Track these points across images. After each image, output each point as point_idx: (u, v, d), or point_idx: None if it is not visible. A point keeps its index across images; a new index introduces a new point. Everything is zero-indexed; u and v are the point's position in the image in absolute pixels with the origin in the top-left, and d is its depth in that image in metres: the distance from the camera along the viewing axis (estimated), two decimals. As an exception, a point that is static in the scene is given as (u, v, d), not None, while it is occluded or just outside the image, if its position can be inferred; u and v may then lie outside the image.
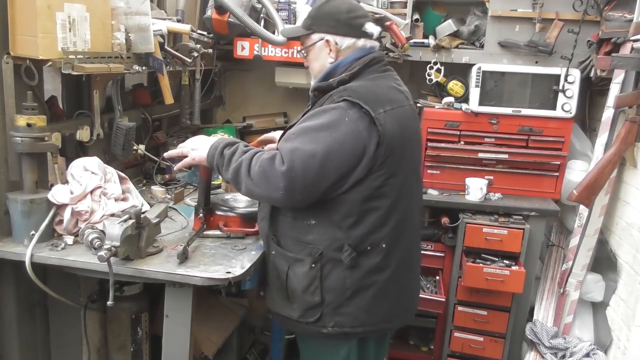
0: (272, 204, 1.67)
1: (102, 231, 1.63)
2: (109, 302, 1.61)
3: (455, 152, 2.78)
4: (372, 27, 1.72)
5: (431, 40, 2.85)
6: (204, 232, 1.93)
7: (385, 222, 1.64)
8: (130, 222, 1.60)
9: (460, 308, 2.73)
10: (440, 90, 2.91)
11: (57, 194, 1.76)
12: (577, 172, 2.72)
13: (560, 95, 2.65)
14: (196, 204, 1.99)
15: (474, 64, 2.72)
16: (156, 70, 2.18)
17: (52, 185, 1.86)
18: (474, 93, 2.70)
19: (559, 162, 2.72)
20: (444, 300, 2.67)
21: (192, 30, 2.49)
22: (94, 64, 1.80)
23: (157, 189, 2.44)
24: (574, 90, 2.63)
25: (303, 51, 1.81)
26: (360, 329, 1.69)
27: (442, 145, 2.79)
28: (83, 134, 2.01)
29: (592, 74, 2.59)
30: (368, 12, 1.84)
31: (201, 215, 1.93)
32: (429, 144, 2.80)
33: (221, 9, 2.57)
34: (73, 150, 2.00)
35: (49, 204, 1.76)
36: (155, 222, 1.76)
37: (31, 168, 1.75)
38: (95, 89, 2.04)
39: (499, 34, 2.75)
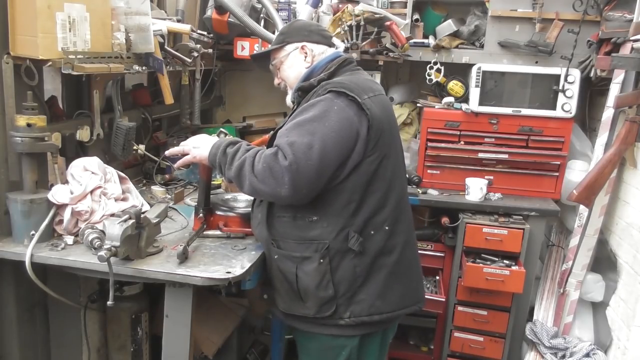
0: (277, 201, 1.66)
1: (102, 231, 1.63)
2: (109, 302, 1.61)
3: (455, 152, 2.78)
4: (338, 42, 1.92)
5: (431, 40, 2.86)
6: (204, 232, 1.93)
7: (385, 204, 1.69)
8: (130, 222, 1.60)
9: (460, 308, 2.73)
10: (440, 90, 2.91)
11: (57, 194, 1.76)
12: (577, 172, 2.72)
13: (560, 95, 2.65)
14: (196, 204, 1.98)
15: (474, 64, 2.72)
16: (156, 70, 2.18)
17: (52, 185, 1.86)
18: (474, 93, 2.70)
19: (559, 162, 2.72)
20: (444, 300, 2.67)
21: (192, 30, 2.49)
22: (94, 64, 1.80)
23: (157, 189, 2.44)
24: (574, 90, 2.63)
25: (275, 63, 1.89)
26: (377, 316, 1.70)
27: (442, 145, 2.79)
28: (83, 134, 2.01)
29: (592, 74, 2.60)
30: None
31: (201, 215, 1.93)
32: (429, 144, 2.80)
33: (221, 9, 2.57)
34: (73, 150, 2.00)
35: (49, 204, 1.76)
36: (155, 222, 1.76)
37: (31, 168, 1.75)
38: (95, 89, 2.04)
39: (499, 34, 2.75)
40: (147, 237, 1.69)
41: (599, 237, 2.61)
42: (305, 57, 1.82)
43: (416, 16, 2.93)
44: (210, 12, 2.65)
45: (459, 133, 2.78)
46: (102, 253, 1.51)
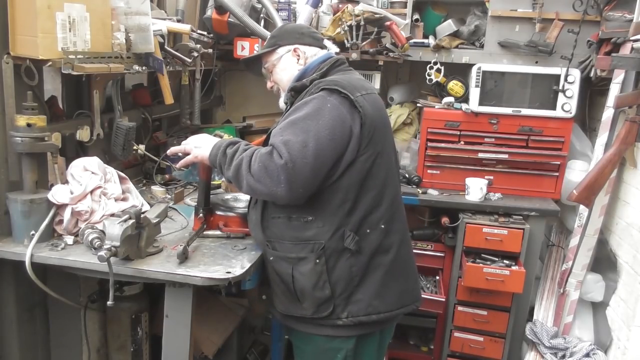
0: (274, 200, 1.65)
1: (102, 231, 1.63)
2: (109, 302, 1.61)
3: (455, 152, 2.78)
4: (330, 45, 1.91)
5: (431, 40, 2.86)
6: (204, 232, 1.93)
7: (380, 202, 1.69)
8: (130, 222, 1.60)
9: (460, 308, 2.73)
10: (440, 90, 2.91)
11: (57, 194, 1.76)
12: (577, 172, 2.72)
13: (560, 95, 2.65)
14: (196, 204, 1.98)
15: (474, 64, 2.72)
16: (156, 70, 2.18)
17: (52, 185, 1.86)
18: (474, 93, 2.70)
19: (559, 162, 2.73)
20: (444, 300, 2.67)
21: (192, 30, 2.49)
22: (94, 64, 1.80)
23: (157, 189, 2.44)
24: (574, 90, 2.63)
25: (267, 67, 1.89)
26: (375, 316, 1.70)
27: (442, 145, 2.79)
28: (83, 134, 2.01)
29: (592, 74, 2.60)
30: None
31: (201, 215, 1.93)
32: (429, 144, 2.81)
33: (221, 9, 2.57)
34: (73, 150, 2.00)
35: (49, 204, 1.76)
36: (155, 222, 1.76)
37: (31, 168, 1.75)
38: (95, 89, 2.04)
39: (499, 34, 2.75)
40: (147, 237, 1.69)
41: (599, 237, 2.61)
42: (298, 59, 1.83)
43: (416, 16, 2.93)
44: (210, 12, 2.65)
45: (459, 133, 2.78)
46: (102, 253, 1.51)
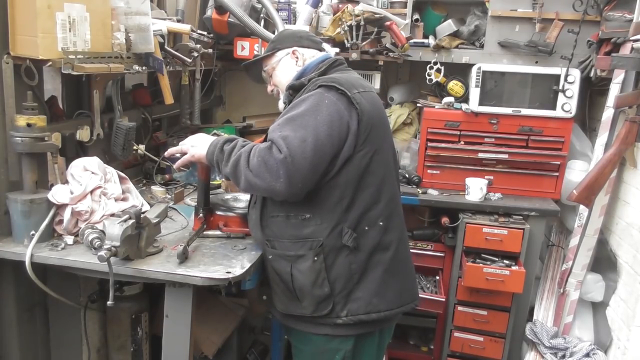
0: (273, 196, 1.64)
1: (102, 231, 1.63)
2: (109, 302, 1.61)
3: (455, 152, 2.78)
4: (329, 48, 1.93)
5: (431, 40, 2.86)
6: (204, 232, 1.93)
7: (378, 199, 1.69)
8: (130, 222, 1.60)
9: (460, 308, 2.73)
10: (440, 90, 2.91)
11: (57, 194, 1.76)
12: (577, 172, 2.73)
13: (560, 95, 2.65)
14: (196, 204, 1.98)
15: (474, 64, 2.72)
16: (156, 70, 2.18)
17: (52, 185, 1.86)
18: (474, 93, 2.70)
19: (559, 162, 2.73)
20: (444, 300, 2.67)
21: (192, 30, 2.49)
22: (94, 64, 1.80)
23: (157, 189, 2.44)
24: (574, 90, 2.63)
25: (267, 70, 1.92)
26: (375, 315, 1.69)
27: (442, 145, 2.79)
28: (83, 134, 2.01)
29: (592, 74, 2.60)
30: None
31: (201, 215, 1.93)
32: (429, 144, 2.81)
33: (221, 9, 2.57)
34: (73, 150, 2.00)
35: (49, 204, 1.76)
36: (155, 222, 1.76)
37: (31, 168, 1.75)
38: (95, 89, 2.04)
39: (499, 34, 2.75)
40: (147, 237, 1.69)
41: (599, 237, 2.61)
42: (297, 61, 1.85)
43: (416, 16, 2.93)
44: (210, 12, 2.65)
45: (459, 133, 2.78)
46: (102, 253, 1.51)
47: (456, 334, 2.76)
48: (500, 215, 2.65)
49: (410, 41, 2.74)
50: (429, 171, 2.85)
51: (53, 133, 1.79)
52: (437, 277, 2.85)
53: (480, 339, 2.73)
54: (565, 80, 2.63)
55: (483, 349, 2.73)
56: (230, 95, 3.54)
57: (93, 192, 1.84)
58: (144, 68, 2.10)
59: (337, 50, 1.92)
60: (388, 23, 2.67)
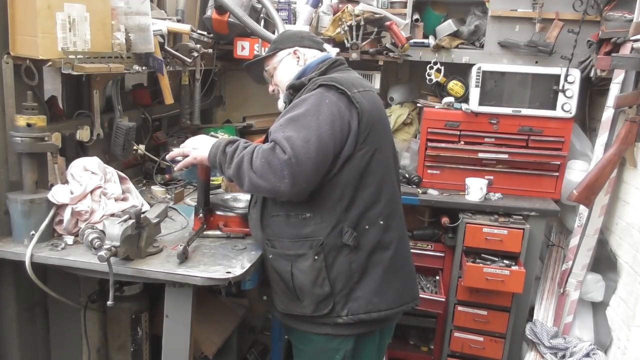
0: (276, 196, 1.63)
1: (102, 231, 1.63)
2: (109, 302, 1.61)
3: (455, 152, 2.78)
4: (330, 48, 1.93)
5: (431, 40, 2.86)
6: (204, 232, 1.93)
7: (379, 198, 1.69)
8: (130, 222, 1.60)
9: (460, 308, 2.73)
10: (440, 90, 2.91)
11: (57, 194, 1.76)
12: (577, 172, 2.72)
13: (560, 95, 2.65)
14: (196, 204, 1.98)
15: (474, 64, 2.72)
16: (156, 70, 2.18)
17: (52, 185, 1.86)
18: (474, 93, 2.70)
19: (559, 162, 2.73)
20: (444, 300, 2.67)
21: (192, 30, 2.49)
22: (94, 64, 1.80)
23: (157, 189, 2.44)
24: (574, 90, 2.63)
25: (268, 69, 1.93)
26: (375, 314, 1.69)
27: (442, 145, 2.79)
28: (83, 134, 2.01)
29: (592, 74, 2.60)
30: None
31: (201, 215, 1.93)
32: (429, 144, 2.81)
33: (221, 9, 2.57)
34: (73, 150, 2.00)
35: (49, 204, 1.76)
36: (155, 222, 1.76)
37: (31, 168, 1.75)
38: (95, 89, 2.04)
39: (499, 34, 2.75)
40: (147, 237, 1.69)
41: (599, 237, 2.61)
42: (298, 61, 1.86)
43: (416, 16, 2.93)
44: (210, 12, 2.65)
45: (459, 133, 2.78)
46: (102, 253, 1.51)
47: (456, 334, 2.76)
48: (500, 215, 2.65)
49: (410, 41, 2.74)
50: (429, 171, 2.85)
51: (53, 133, 1.79)
52: (437, 277, 2.85)
53: (480, 339, 2.73)
54: (565, 80, 2.63)
55: (483, 349, 2.73)
56: (230, 95, 3.54)
57: (93, 192, 1.84)
58: (144, 68, 2.10)
59: (338, 50, 1.93)
60: (388, 23, 2.67)
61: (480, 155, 2.77)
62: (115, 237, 1.56)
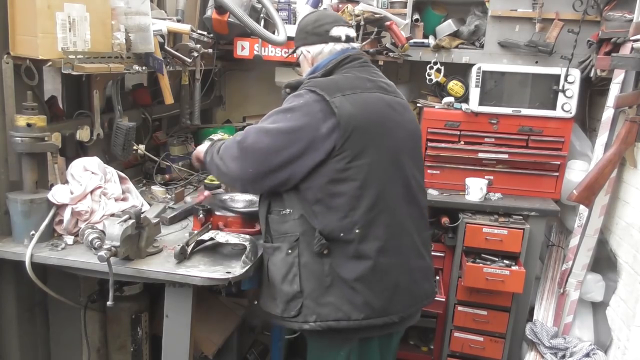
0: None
1: (102, 231, 1.63)
2: (109, 302, 1.61)
3: (455, 152, 2.78)
4: (339, 31, 1.82)
5: (431, 40, 2.86)
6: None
7: (356, 207, 1.61)
8: (130, 222, 1.60)
9: (460, 308, 2.73)
10: (440, 90, 2.91)
11: (57, 194, 1.76)
12: (577, 172, 2.72)
13: (560, 95, 2.64)
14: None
15: (474, 64, 2.72)
16: (156, 70, 2.18)
17: (52, 185, 1.86)
18: (474, 93, 2.70)
19: (559, 162, 2.72)
20: (444, 300, 2.67)
21: (192, 30, 2.49)
22: (94, 64, 1.80)
23: (157, 189, 2.44)
24: (574, 90, 2.63)
25: (297, 67, 2.03)
26: (345, 322, 1.62)
27: (442, 145, 2.79)
28: (83, 134, 2.01)
29: (592, 74, 2.59)
30: (341, 19, 1.90)
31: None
32: (429, 144, 2.80)
33: (221, 9, 2.57)
34: (73, 150, 2.00)
35: (49, 204, 1.76)
36: (155, 222, 1.76)
37: (31, 168, 1.75)
38: (95, 89, 2.04)
39: (499, 34, 2.75)
40: (147, 237, 1.69)
41: (599, 237, 2.61)
42: (307, 60, 1.87)
43: (416, 16, 2.93)
44: (210, 12, 2.65)
45: (459, 133, 2.78)
46: (102, 253, 1.51)
47: (456, 334, 2.76)
48: (500, 215, 2.65)
49: (410, 41, 2.74)
50: (429, 171, 2.84)
51: (53, 133, 1.79)
52: (437, 277, 2.85)
53: (480, 339, 2.73)
54: (565, 80, 2.63)
55: (483, 349, 2.73)
56: (230, 95, 3.54)
57: (93, 192, 1.84)
58: (144, 68, 2.10)
59: (352, 31, 1.81)
60: (388, 23, 2.67)
61: (480, 155, 2.77)
62: (115, 237, 1.56)
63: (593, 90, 2.91)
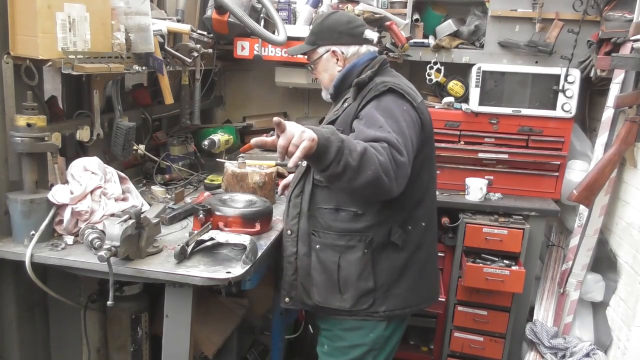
0: (382, 196, 1.54)
1: (102, 231, 1.63)
2: (109, 302, 1.61)
3: (455, 152, 2.78)
4: (371, 34, 1.88)
5: (431, 40, 2.86)
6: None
7: (422, 203, 1.79)
8: (130, 222, 1.60)
9: (460, 308, 2.74)
10: (440, 90, 2.91)
11: (57, 194, 1.76)
12: (577, 172, 2.73)
13: (560, 95, 2.65)
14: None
15: (474, 64, 2.72)
16: (156, 70, 2.18)
17: (52, 185, 1.86)
18: (474, 93, 2.70)
19: (559, 162, 2.73)
20: (444, 300, 2.66)
21: (192, 30, 2.49)
22: (94, 64, 1.80)
23: (157, 189, 2.44)
24: (574, 90, 2.63)
25: (311, 65, 1.95)
26: (409, 309, 1.81)
27: (442, 145, 2.79)
28: (83, 134, 2.01)
29: (592, 74, 2.60)
30: (364, 22, 1.97)
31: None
32: (430, 143, 2.81)
33: (221, 9, 2.57)
34: (73, 150, 2.00)
35: (49, 204, 1.76)
36: (155, 222, 1.76)
37: (31, 168, 1.75)
38: (95, 89, 2.04)
39: (499, 34, 2.75)
40: (147, 237, 1.69)
41: (599, 237, 2.61)
42: (337, 60, 1.86)
43: (416, 16, 2.93)
44: (210, 12, 2.65)
45: (459, 133, 2.78)
46: (102, 253, 1.51)
47: (456, 334, 2.76)
48: (500, 215, 2.65)
49: (410, 41, 2.75)
50: (429, 171, 2.85)
51: (53, 133, 1.79)
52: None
53: (480, 339, 2.73)
54: (565, 80, 2.63)
55: (483, 349, 2.73)
56: (230, 95, 3.54)
57: (93, 192, 1.84)
58: (144, 68, 2.10)
59: (377, 35, 1.89)
60: (388, 23, 2.67)
61: (480, 155, 2.77)
62: (115, 237, 1.56)
63: (593, 90, 2.91)
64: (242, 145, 2.88)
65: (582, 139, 2.85)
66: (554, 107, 2.67)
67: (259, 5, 2.73)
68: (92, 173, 1.86)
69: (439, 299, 2.63)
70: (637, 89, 2.37)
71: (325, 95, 1.97)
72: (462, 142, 2.79)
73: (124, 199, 1.96)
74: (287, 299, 1.87)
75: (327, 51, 1.86)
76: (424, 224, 1.80)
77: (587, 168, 2.65)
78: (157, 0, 2.60)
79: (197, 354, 2.22)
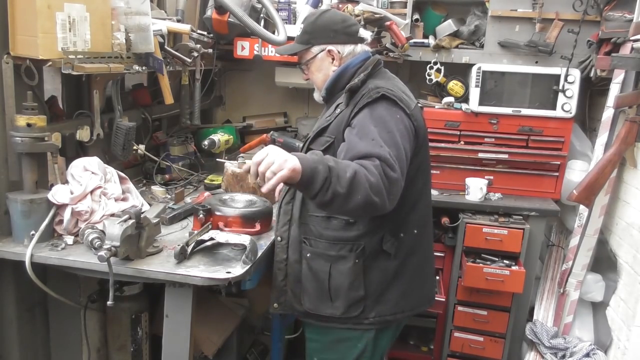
0: (375, 213, 1.52)
1: (102, 231, 1.63)
2: (109, 302, 1.61)
3: (455, 152, 2.78)
4: (364, 33, 1.87)
5: (431, 40, 2.86)
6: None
7: (415, 210, 1.76)
8: (130, 222, 1.60)
9: (460, 308, 2.73)
10: (440, 90, 2.91)
11: (57, 194, 1.76)
12: (577, 172, 2.72)
13: (560, 95, 2.65)
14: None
15: (474, 64, 2.72)
16: (156, 70, 2.18)
17: (52, 185, 1.86)
18: (474, 93, 2.70)
19: (559, 162, 2.72)
20: (444, 300, 2.67)
21: (192, 30, 2.49)
22: (94, 64, 1.80)
23: (157, 189, 2.44)
24: (574, 90, 2.63)
25: (303, 65, 1.89)
26: (400, 315, 1.78)
27: (442, 145, 2.79)
28: (83, 134, 2.01)
29: (592, 74, 2.59)
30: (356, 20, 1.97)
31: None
32: (429, 144, 2.80)
33: (221, 9, 2.57)
34: (73, 150, 2.00)
35: (49, 204, 1.76)
36: (155, 222, 1.76)
37: (31, 168, 1.75)
38: (95, 89, 2.04)
39: (499, 34, 2.75)
40: (147, 237, 1.69)
41: (599, 237, 2.61)
42: (333, 60, 1.82)
43: (416, 16, 2.93)
44: (210, 12, 2.65)
45: (459, 133, 2.78)
46: (102, 253, 1.51)
47: (456, 334, 2.76)
48: (500, 215, 2.65)
49: (410, 41, 2.74)
50: (429, 171, 2.85)
51: (53, 133, 1.80)
52: (437, 277, 2.84)
53: (480, 339, 2.73)
54: (565, 80, 2.63)
55: (483, 349, 2.73)
56: (230, 95, 3.54)
57: (93, 192, 1.84)
58: (144, 68, 2.10)
59: (371, 33, 1.85)
60: (388, 23, 2.67)
61: (480, 155, 2.77)
62: (115, 237, 1.56)
63: (593, 90, 2.91)
64: (242, 145, 2.88)
65: (582, 139, 2.85)
66: (554, 107, 2.67)
67: (259, 5, 2.73)
68: (92, 173, 1.86)
69: (439, 299, 2.66)
70: (637, 89, 2.37)
71: (318, 97, 1.92)
72: (462, 142, 2.79)
73: (124, 199, 1.96)
74: (275, 305, 1.84)
75: (322, 50, 1.81)
76: (416, 230, 1.77)
77: (587, 168, 2.65)
78: (157, 0, 2.60)
79: (197, 354, 2.22)
